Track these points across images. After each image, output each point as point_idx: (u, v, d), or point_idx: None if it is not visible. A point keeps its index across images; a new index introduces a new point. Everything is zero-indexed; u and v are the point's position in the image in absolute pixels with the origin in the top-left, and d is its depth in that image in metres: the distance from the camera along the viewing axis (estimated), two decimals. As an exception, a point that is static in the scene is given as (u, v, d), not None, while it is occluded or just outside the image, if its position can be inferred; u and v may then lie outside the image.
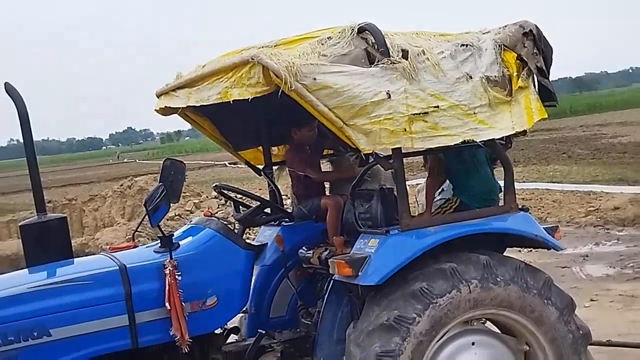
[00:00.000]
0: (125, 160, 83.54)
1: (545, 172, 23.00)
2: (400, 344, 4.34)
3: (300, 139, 5.61)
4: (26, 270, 4.77)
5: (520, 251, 7.84)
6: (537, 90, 4.91)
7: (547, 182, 20.31)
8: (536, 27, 4.82)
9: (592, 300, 8.86)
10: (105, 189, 24.63)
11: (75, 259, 4.96)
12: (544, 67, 4.86)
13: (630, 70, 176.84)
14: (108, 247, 6.32)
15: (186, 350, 4.54)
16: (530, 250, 9.61)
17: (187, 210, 18.67)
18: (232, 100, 4.40)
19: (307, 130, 5.53)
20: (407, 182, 4.89)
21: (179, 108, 5.03)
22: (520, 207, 4.94)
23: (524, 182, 19.81)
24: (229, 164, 43.57)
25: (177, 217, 17.67)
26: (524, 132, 4.85)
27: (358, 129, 4.34)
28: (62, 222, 5.01)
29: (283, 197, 6.09)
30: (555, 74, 5.02)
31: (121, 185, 23.71)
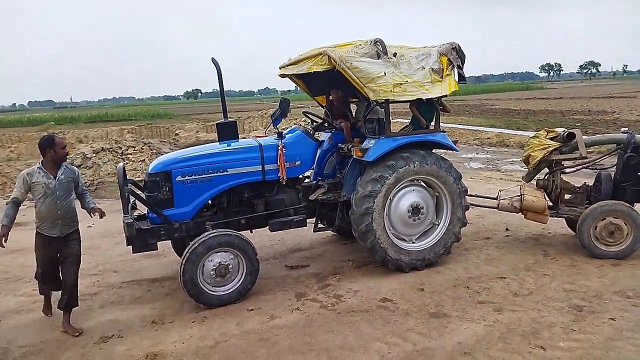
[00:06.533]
0: (264, 102, 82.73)
1: (456, 120, 25.95)
2: (380, 187, 4.67)
3: (332, 96, 5.56)
4: (217, 143, 5.04)
5: (445, 154, 7.20)
6: (456, 76, 4.87)
7: (457, 124, 23.16)
8: (458, 45, 4.88)
9: (471, 178, 9.95)
10: (254, 113, 26.63)
11: (240, 139, 5.14)
12: (461, 65, 4.90)
13: (504, 73, 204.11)
14: (253, 135, 6.19)
15: (284, 183, 4.82)
16: (446, 153, 9.12)
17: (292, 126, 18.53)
18: (313, 72, 4.59)
19: (334, 92, 5.47)
20: (393, 120, 4.54)
21: (288, 74, 5.25)
22: (441, 130, 5.08)
23: (446, 124, 22.57)
24: (311, 106, 39.86)
25: (285, 129, 17.53)
26: (446, 96, 4.90)
27: (369, 89, 4.52)
28: (234, 123, 5.23)
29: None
30: (467, 72, 4.99)
31: (261, 110, 24.69)
